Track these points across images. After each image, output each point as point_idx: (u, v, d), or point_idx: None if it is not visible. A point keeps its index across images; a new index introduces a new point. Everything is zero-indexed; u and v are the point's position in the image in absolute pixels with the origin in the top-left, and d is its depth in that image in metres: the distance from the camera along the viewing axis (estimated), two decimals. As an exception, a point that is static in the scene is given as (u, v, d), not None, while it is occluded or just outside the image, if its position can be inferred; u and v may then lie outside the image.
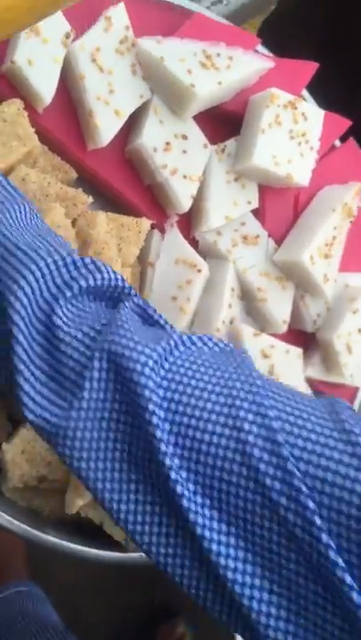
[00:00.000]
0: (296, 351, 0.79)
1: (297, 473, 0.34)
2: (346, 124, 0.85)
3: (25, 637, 0.86)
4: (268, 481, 0.34)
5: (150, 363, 0.38)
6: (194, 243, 0.76)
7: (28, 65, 0.65)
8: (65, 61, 0.68)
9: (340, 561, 0.32)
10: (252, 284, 0.77)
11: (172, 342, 0.41)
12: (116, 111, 0.70)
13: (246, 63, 0.76)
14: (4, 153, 0.64)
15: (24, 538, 0.61)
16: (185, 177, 0.73)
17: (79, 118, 0.71)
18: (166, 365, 0.40)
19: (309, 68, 0.83)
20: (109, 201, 0.75)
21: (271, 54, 0.83)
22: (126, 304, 0.44)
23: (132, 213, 0.73)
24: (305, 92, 0.85)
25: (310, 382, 0.81)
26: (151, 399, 0.37)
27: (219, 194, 0.75)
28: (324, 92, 0.82)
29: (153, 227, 0.74)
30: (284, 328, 0.79)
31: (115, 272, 0.45)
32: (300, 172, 0.78)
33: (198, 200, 0.75)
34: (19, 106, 0.66)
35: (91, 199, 0.69)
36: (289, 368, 0.78)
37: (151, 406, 0.37)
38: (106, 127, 0.70)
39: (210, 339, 0.44)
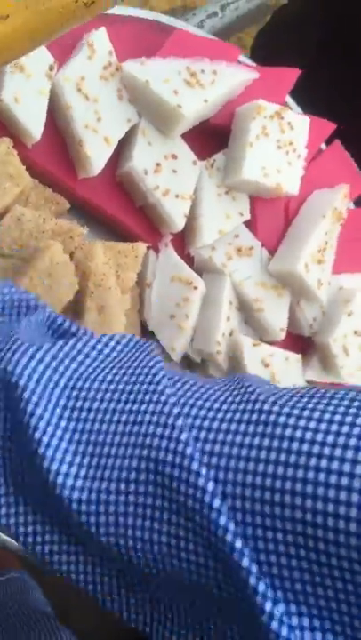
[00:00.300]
0: (295, 357, 0.81)
1: (196, 456, 0.34)
2: (331, 127, 0.86)
3: (15, 622, 0.86)
4: (167, 469, 0.34)
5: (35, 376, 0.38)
6: (189, 259, 0.78)
7: (15, 102, 0.66)
8: (51, 94, 0.69)
9: (237, 544, 0.32)
10: (248, 296, 0.79)
11: (75, 350, 0.41)
12: (105, 138, 0.71)
13: (230, 76, 0.77)
14: (0, 194, 0.65)
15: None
16: (177, 196, 0.74)
17: (69, 148, 0.71)
18: (68, 373, 0.39)
19: (292, 74, 0.83)
20: (103, 226, 0.76)
21: (254, 64, 0.83)
22: (31, 318, 0.44)
23: (126, 236, 0.75)
24: (288, 99, 0.85)
25: (311, 385, 0.84)
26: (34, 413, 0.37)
27: (211, 209, 0.77)
28: (318, 100, 0.83)
29: (148, 248, 0.76)
30: (282, 335, 0.81)
31: (11, 287, 0.45)
32: (289, 181, 0.79)
33: (191, 217, 0.76)
34: (8, 144, 0.66)
35: (86, 229, 0.70)
36: (289, 374, 0.81)
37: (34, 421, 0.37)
38: (96, 156, 0.70)
39: (122, 337, 0.43)
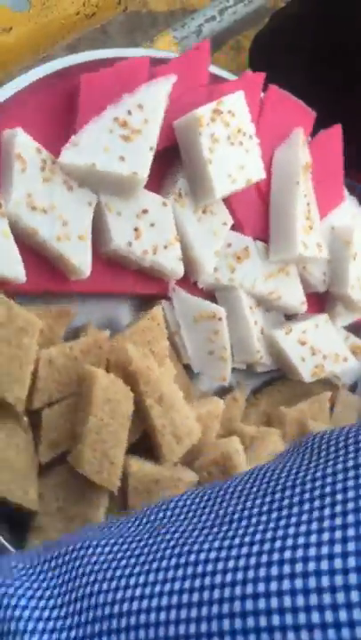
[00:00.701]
0: (322, 318, 0.85)
1: None
2: (260, 77, 0.82)
3: None
4: None
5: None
6: (198, 290, 0.78)
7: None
8: (11, 227, 0.65)
9: None
10: (263, 293, 0.81)
11: None
12: (79, 237, 0.68)
13: (154, 97, 0.72)
14: (24, 354, 0.65)
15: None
16: (165, 247, 0.73)
17: (53, 262, 0.69)
18: None
19: (203, 48, 0.77)
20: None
21: (164, 53, 0.77)
22: None
23: (131, 299, 0.75)
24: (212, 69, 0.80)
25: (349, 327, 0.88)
26: None
27: (199, 236, 0.76)
28: (315, 102, 0.83)
29: (159, 299, 0.76)
30: (304, 308, 0.84)
31: None
32: (255, 169, 0.77)
33: (185, 254, 0.75)
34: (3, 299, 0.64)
35: (107, 333, 0.70)
36: (327, 337, 0.85)
37: None
38: (81, 259, 0.68)
39: None
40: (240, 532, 0.37)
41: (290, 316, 0.86)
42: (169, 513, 0.43)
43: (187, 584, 0.36)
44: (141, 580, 0.37)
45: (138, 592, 0.36)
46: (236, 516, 0.39)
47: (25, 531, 0.67)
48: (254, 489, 0.41)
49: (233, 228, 0.79)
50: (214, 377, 0.79)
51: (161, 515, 0.44)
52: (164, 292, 0.77)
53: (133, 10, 0.75)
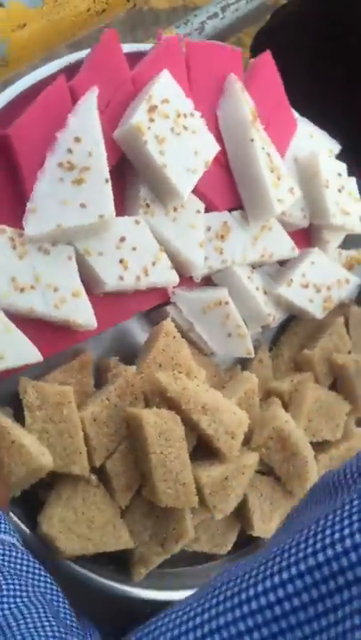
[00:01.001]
0: (315, 253, 0.86)
1: None
2: (173, 38, 0.77)
3: None
4: None
5: None
6: (195, 282, 0.79)
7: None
8: (8, 314, 0.65)
9: None
10: (255, 258, 0.81)
11: None
12: (74, 294, 0.68)
13: (86, 121, 0.68)
14: (70, 425, 0.67)
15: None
16: (154, 264, 0.73)
17: (57, 325, 0.69)
18: None
19: (110, 38, 0.72)
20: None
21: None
22: None
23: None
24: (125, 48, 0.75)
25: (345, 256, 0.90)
26: None
27: (180, 237, 0.75)
28: (318, 99, 0.84)
29: (164, 307, 0.77)
30: (296, 252, 0.85)
31: None
32: (208, 147, 0.75)
33: (174, 260, 0.75)
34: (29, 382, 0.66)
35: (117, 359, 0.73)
36: (323, 270, 0.86)
37: None
38: (84, 315, 0.69)
39: None
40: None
41: (284, 261, 0.87)
42: None
43: None
44: None
45: None
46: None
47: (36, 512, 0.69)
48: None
49: (206, 209, 0.78)
50: (240, 354, 0.82)
51: None
52: (166, 299, 0.77)
53: (135, 7, 0.71)
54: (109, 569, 0.73)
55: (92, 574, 0.71)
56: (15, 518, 0.66)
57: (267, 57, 0.84)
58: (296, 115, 0.88)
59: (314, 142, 0.88)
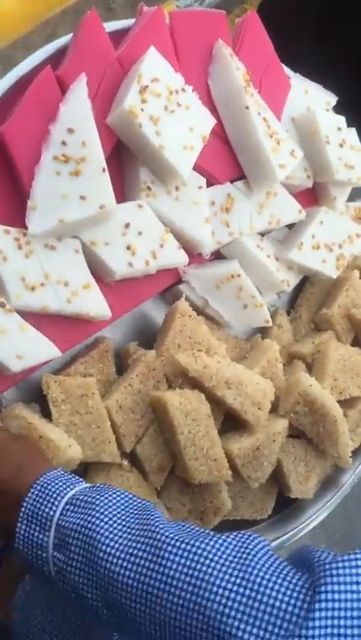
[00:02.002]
0: (322, 212, 0.85)
1: None
2: (158, 10, 0.76)
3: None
4: None
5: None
6: (204, 259, 0.79)
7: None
8: (23, 314, 0.66)
9: None
10: (263, 225, 0.81)
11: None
12: (84, 286, 0.69)
13: (77, 110, 0.68)
14: (97, 415, 0.68)
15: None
16: (162, 246, 0.73)
17: (72, 318, 0.70)
18: None
19: (92, 18, 0.71)
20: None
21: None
22: None
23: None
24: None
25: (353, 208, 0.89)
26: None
27: (185, 216, 0.75)
28: (323, 66, 0.82)
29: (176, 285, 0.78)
30: (303, 214, 0.84)
31: None
32: (203, 121, 0.74)
33: (181, 239, 0.75)
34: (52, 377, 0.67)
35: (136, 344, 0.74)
36: (333, 228, 0.86)
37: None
38: (97, 307, 0.70)
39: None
40: None
41: (292, 224, 0.86)
42: None
43: None
44: None
45: None
46: None
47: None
48: None
49: (208, 184, 0.77)
50: (258, 324, 0.82)
51: None
52: (178, 278, 0.77)
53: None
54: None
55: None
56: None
57: (253, 17, 0.82)
58: (288, 72, 0.87)
59: (309, 98, 0.86)
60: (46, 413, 0.69)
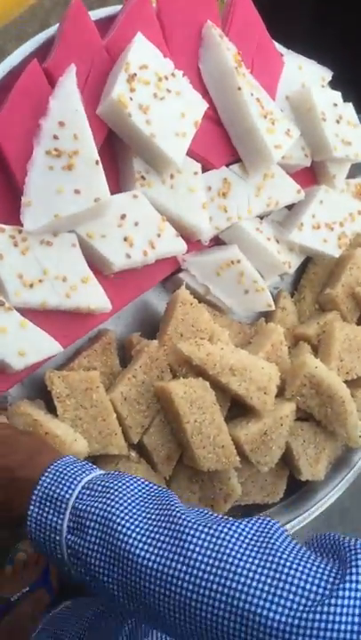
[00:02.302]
0: (322, 191, 0.85)
1: None
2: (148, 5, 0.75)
3: None
4: None
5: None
6: (203, 245, 0.79)
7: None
8: (22, 312, 0.66)
9: None
10: (261, 208, 0.80)
11: None
12: (83, 280, 0.69)
13: (67, 103, 0.67)
14: (102, 408, 0.69)
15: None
16: (159, 235, 0.73)
17: (72, 312, 0.70)
18: None
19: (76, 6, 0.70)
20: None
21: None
22: None
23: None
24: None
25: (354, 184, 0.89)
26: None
27: (180, 203, 0.74)
28: (323, 38, 0.83)
29: (176, 274, 0.78)
30: (302, 195, 0.83)
31: None
32: (195, 106, 0.73)
33: (178, 227, 0.75)
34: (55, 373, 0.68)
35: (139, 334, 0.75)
36: (333, 207, 0.85)
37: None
38: (96, 300, 0.70)
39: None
40: None
41: (291, 205, 0.86)
42: None
43: None
44: None
45: None
46: None
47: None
48: None
49: (203, 169, 0.77)
50: (261, 309, 0.82)
51: None
52: (178, 266, 0.77)
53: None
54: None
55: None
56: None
57: (241, -4, 0.81)
58: (281, 48, 0.85)
59: (304, 74, 0.85)
60: (52, 408, 0.70)
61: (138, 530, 0.51)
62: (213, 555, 0.48)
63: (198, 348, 0.72)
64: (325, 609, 0.44)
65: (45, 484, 0.55)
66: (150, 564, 0.50)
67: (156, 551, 0.50)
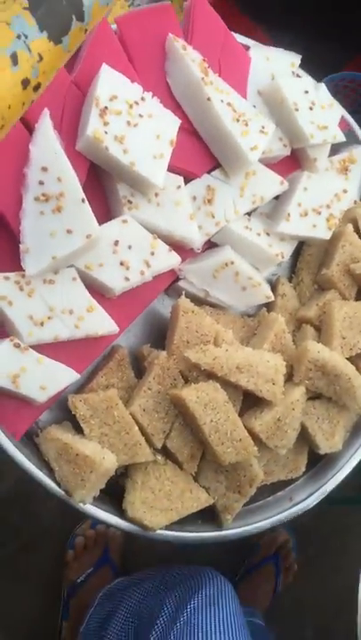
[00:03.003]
0: (304, 176, 0.89)
1: None
2: (103, 22, 0.78)
3: None
4: None
5: None
6: (197, 252, 0.84)
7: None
8: (36, 348, 0.73)
9: None
10: (247, 206, 0.85)
11: None
12: (88, 309, 0.75)
13: (46, 148, 0.72)
14: (124, 423, 0.76)
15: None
16: (153, 253, 0.78)
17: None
18: None
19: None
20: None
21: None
22: None
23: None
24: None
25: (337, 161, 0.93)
26: None
27: (169, 219, 0.79)
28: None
29: (176, 283, 0.83)
30: (285, 185, 0.88)
31: None
32: (168, 126, 0.78)
33: (170, 242, 0.80)
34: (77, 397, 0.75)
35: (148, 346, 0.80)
36: (318, 191, 0.89)
37: None
38: (105, 325, 0.76)
39: None
40: None
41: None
42: None
43: None
44: None
45: None
46: None
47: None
48: None
49: (186, 180, 0.81)
50: (260, 302, 0.87)
51: None
52: (176, 276, 0.83)
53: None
54: (198, 524, 0.84)
55: (185, 533, 0.81)
56: (104, 513, 0.77)
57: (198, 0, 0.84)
58: (247, 41, 0.88)
59: (272, 64, 0.88)
60: (79, 427, 0.77)
61: None
62: None
63: (205, 354, 0.78)
64: None
65: None
66: None
67: None
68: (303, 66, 0.92)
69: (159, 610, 0.88)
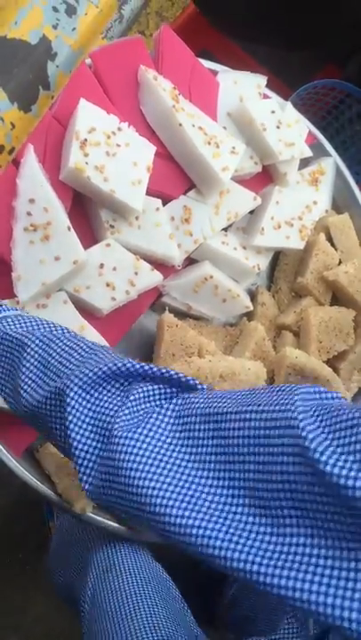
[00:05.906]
0: (276, 191, 0.99)
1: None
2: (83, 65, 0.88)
3: None
4: None
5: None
6: (178, 269, 0.93)
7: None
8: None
9: None
10: (223, 224, 0.94)
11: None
12: (80, 328, 0.84)
13: (33, 180, 0.81)
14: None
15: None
16: (136, 273, 0.87)
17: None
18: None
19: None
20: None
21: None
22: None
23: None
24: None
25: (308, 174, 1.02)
26: None
27: (150, 240, 0.89)
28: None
29: (160, 299, 0.93)
30: (258, 201, 0.97)
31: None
32: (144, 153, 0.87)
33: (151, 261, 0.89)
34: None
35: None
36: (289, 204, 0.99)
37: None
38: (96, 340, 0.85)
39: None
40: None
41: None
42: None
43: None
44: None
45: None
46: None
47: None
48: None
49: (163, 202, 0.91)
50: (241, 312, 0.97)
51: None
52: (160, 292, 0.92)
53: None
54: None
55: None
56: (103, 520, 0.86)
57: (165, 31, 0.93)
58: (215, 66, 0.98)
59: (239, 87, 0.98)
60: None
61: None
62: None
63: (189, 365, 0.87)
64: None
65: None
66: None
67: None
68: (280, 75, 1.02)
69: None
